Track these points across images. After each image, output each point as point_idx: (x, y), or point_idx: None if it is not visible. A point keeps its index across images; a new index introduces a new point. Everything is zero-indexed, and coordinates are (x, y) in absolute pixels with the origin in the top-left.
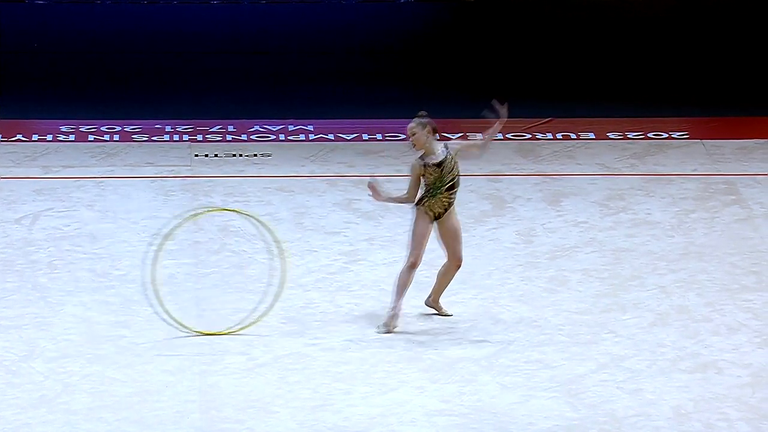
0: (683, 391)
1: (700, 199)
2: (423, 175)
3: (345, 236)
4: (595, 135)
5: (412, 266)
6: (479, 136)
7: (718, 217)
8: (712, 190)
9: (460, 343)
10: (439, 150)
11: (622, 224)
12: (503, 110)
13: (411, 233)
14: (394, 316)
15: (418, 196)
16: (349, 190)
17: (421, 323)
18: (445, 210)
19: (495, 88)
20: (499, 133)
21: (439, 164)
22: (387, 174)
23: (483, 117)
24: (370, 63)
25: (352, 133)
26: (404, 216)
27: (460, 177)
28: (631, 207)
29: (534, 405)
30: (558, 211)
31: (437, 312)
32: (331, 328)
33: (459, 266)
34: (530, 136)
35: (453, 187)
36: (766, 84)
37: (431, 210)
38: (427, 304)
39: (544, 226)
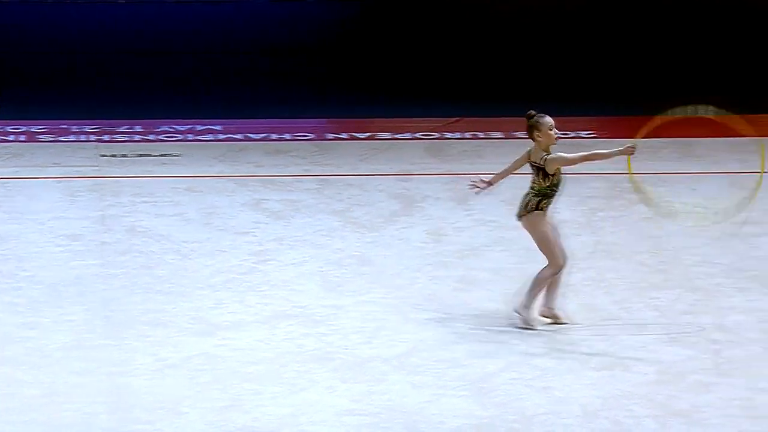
0: (592, 388)
1: (608, 197)
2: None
3: (254, 236)
4: (503, 134)
5: (557, 272)
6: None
7: (625, 216)
8: (619, 189)
9: (370, 342)
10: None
11: None
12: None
13: (539, 240)
14: (552, 314)
15: (537, 199)
16: (258, 190)
17: (331, 322)
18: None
19: (404, 87)
20: (407, 132)
21: None
22: (295, 174)
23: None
24: (278, 62)
25: (261, 133)
26: (314, 216)
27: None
28: None
29: (444, 404)
30: (467, 210)
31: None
32: (241, 328)
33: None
34: (439, 135)
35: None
36: (673, 85)
37: (546, 210)
38: (541, 314)
39: (454, 225)
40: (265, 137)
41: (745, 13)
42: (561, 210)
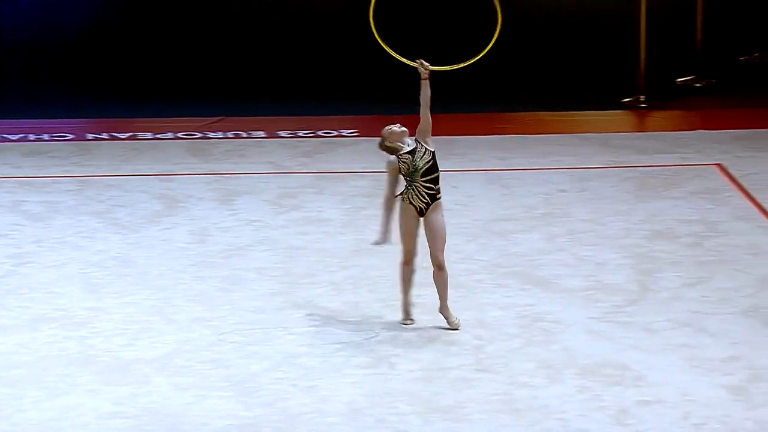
0: (356, 387)
1: (371, 196)
2: (399, 169)
3: (13, 239)
4: (265, 133)
5: (405, 263)
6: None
7: None
8: (381, 187)
9: (134, 344)
10: (409, 141)
11: (295, 222)
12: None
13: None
14: (404, 311)
15: (399, 189)
16: (15, 191)
17: (93, 325)
18: (427, 205)
19: (164, 86)
20: (169, 131)
21: (411, 152)
22: (55, 175)
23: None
24: (34, 60)
25: (18, 134)
26: (74, 217)
27: (440, 172)
28: (303, 205)
29: (208, 405)
30: (231, 210)
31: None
32: (0, 332)
33: (439, 268)
34: (201, 135)
35: (428, 174)
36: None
37: (413, 202)
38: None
39: (217, 225)
40: (22, 138)
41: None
42: (325, 209)
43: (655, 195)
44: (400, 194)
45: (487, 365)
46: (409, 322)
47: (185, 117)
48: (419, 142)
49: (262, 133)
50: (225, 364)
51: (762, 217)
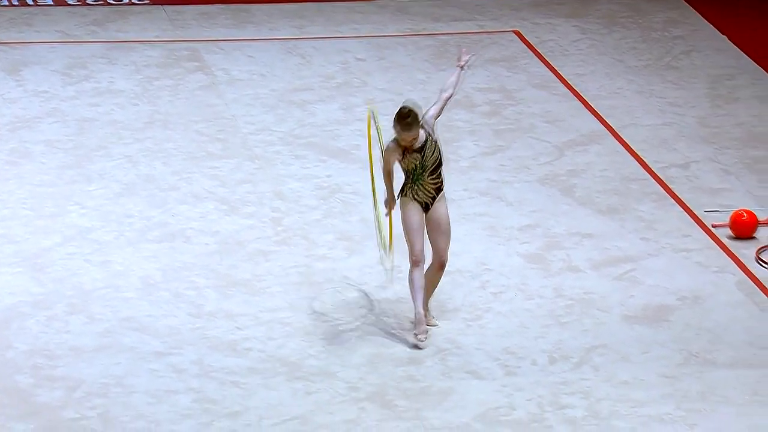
0: (151, 261)
1: (164, 66)
2: (401, 161)
3: None
4: (53, 1)
5: (415, 265)
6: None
7: (182, 84)
8: (175, 57)
9: None
10: (420, 133)
11: (85, 93)
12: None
13: (403, 229)
14: (418, 321)
15: (403, 183)
16: None
17: None
18: (433, 199)
19: None
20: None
21: (421, 149)
22: None
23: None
24: None
25: None
26: None
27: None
28: (93, 75)
29: None
30: (17, 80)
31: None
32: None
33: (442, 266)
34: None
35: (436, 170)
36: None
37: (417, 198)
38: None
39: (4, 96)
40: None
41: None
42: (116, 80)
43: (453, 63)
44: (400, 193)
45: (285, 238)
46: (431, 325)
47: None
48: (429, 134)
49: (49, 0)
50: (14, 240)
51: (559, 84)
